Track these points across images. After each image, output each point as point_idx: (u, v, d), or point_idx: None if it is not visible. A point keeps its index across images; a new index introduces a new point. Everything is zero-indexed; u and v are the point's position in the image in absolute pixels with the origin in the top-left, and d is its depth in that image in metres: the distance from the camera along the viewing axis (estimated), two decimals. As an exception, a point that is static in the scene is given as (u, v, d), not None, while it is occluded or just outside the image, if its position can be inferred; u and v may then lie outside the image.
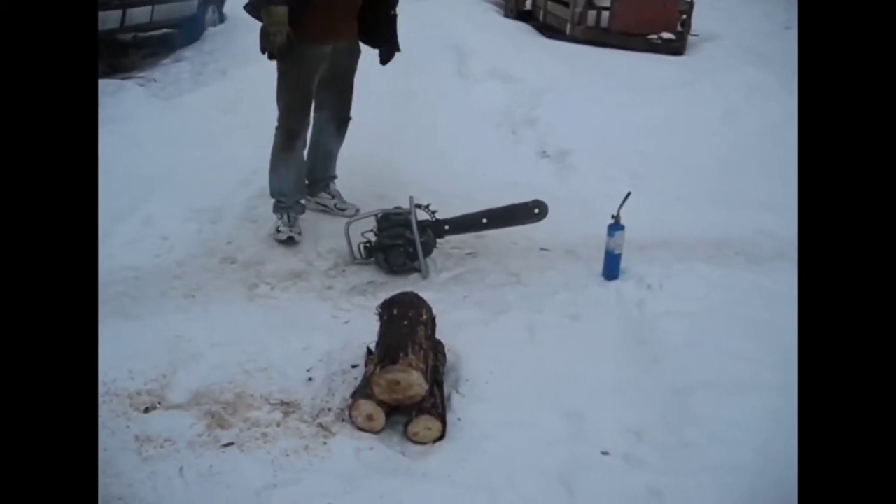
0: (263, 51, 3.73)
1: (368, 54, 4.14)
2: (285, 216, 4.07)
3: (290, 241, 4.00)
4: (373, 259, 3.83)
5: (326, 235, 4.11)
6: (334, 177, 4.49)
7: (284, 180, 4.08)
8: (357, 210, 4.29)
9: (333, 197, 4.45)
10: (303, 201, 4.21)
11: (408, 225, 3.72)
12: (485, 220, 3.87)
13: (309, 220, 4.21)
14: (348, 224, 3.90)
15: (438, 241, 3.89)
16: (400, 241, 3.74)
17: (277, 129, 4.04)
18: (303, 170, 4.21)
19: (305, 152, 4.20)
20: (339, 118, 4.26)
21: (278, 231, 4.04)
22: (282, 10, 3.60)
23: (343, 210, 4.36)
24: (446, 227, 3.87)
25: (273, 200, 4.11)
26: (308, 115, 4.07)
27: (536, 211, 3.83)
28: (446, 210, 3.89)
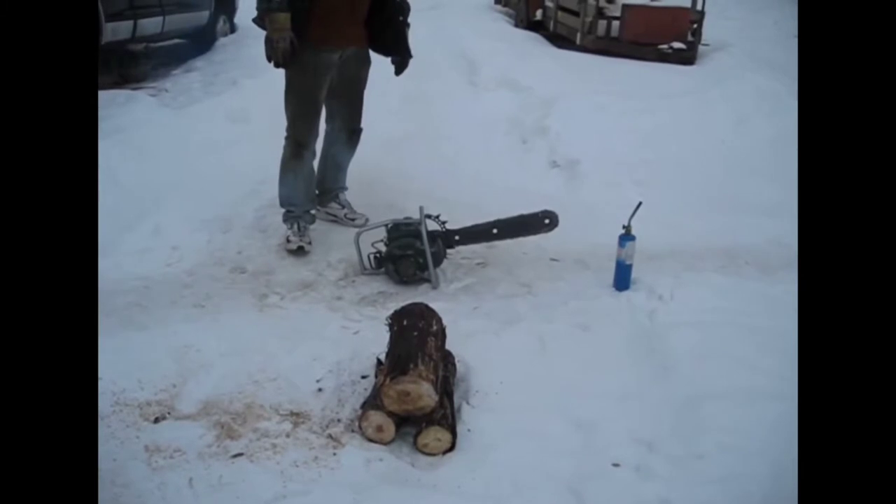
0: (269, 59, 3.73)
1: (378, 62, 4.15)
2: (295, 226, 4.06)
3: (300, 251, 3.99)
4: (383, 269, 3.83)
5: (336, 246, 4.11)
6: (345, 188, 4.49)
7: (293, 190, 4.08)
8: (367, 220, 4.29)
9: (343, 207, 4.45)
10: (313, 211, 4.20)
11: (418, 235, 3.72)
12: (495, 231, 3.86)
13: (319, 230, 4.21)
14: (358, 234, 3.89)
15: (448, 251, 3.88)
16: (410, 251, 3.73)
17: (286, 138, 4.04)
18: (312, 179, 4.21)
19: (316, 162, 4.20)
20: (349, 129, 4.25)
21: (288, 241, 4.02)
22: (284, 17, 3.61)
23: (353, 220, 4.35)
24: (456, 238, 3.86)
25: (283, 210, 4.11)
26: (316, 124, 4.06)
27: (547, 221, 3.82)
28: (455, 218, 3.88)
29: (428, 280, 3.77)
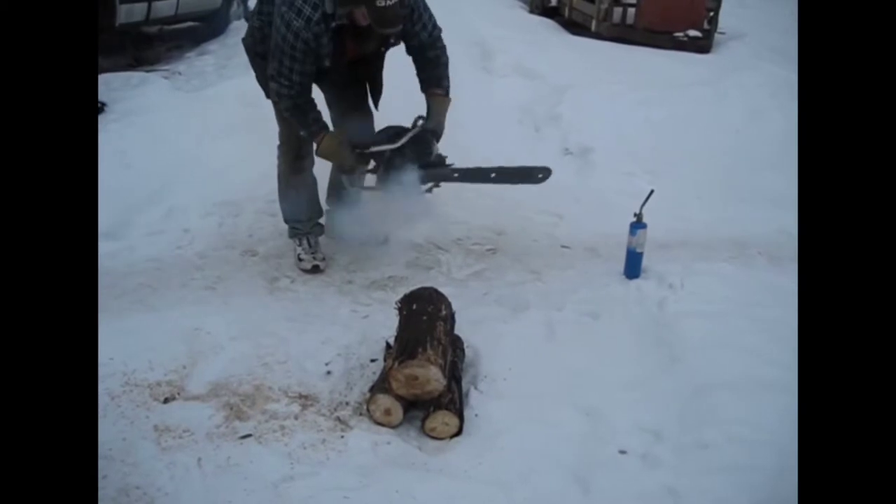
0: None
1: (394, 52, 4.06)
2: (304, 242, 3.77)
3: (315, 270, 3.71)
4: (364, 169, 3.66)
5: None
6: None
7: (297, 206, 3.78)
8: (387, 239, 3.99)
9: None
10: (321, 220, 3.90)
11: (403, 134, 3.58)
12: (493, 175, 3.73)
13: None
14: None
15: (457, 235, 3.80)
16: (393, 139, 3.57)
17: (280, 148, 3.72)
18: (316, 187, 3.85)
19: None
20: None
21: (300, 260, 3.74)
22: (328, 142, 3.41)
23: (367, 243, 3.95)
24: (455, 175, 3.67)
25: (288, 226, 3.86)
26: None
27: (540, 176, 3.73)
28: (468, 205, 3.86)
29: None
